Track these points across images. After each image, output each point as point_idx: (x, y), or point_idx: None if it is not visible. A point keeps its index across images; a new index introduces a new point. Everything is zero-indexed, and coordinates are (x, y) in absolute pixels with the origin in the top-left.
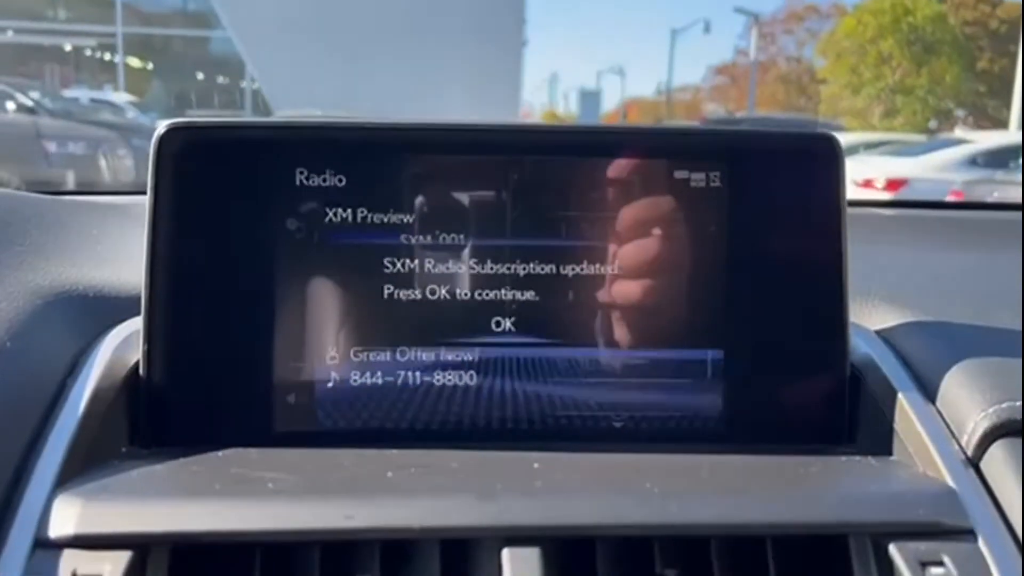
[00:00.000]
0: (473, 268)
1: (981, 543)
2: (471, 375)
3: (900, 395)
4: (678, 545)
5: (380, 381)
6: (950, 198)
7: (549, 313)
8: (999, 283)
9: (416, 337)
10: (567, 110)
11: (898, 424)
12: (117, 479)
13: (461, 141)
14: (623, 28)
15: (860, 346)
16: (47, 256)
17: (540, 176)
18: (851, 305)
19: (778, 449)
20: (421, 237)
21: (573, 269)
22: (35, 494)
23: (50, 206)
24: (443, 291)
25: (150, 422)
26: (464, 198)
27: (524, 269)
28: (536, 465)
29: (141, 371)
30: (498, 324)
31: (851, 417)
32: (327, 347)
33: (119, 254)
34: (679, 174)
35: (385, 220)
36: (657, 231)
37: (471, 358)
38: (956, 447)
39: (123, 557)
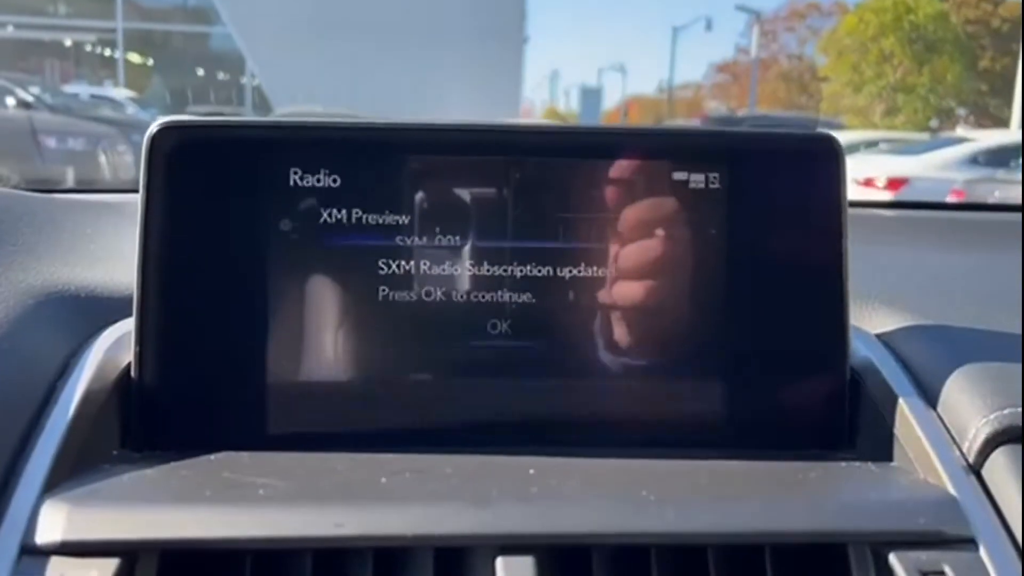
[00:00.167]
0: (470, 270)
1: (982, 552)
2: (467, 378)
3: (900, 400)
4: (675, 553)
5: (375, 383)
6: (951, 197)
7: (546, 315)
8: (1001, 285)
9: (411, 339)
10: (568, 107)
11: (898, 429)
12: (106, 484)
13: (458, 142)
14: (624, 25)
15: (860, 349)
16: (39, 256)
17: (539, 177)
18: (851, 308)
19: (777, 454)
20: (417, 238)
21: (571, 271)
22: (22, 499)
23: (43, 205)
24: (439, 293)
25: (142, 425)
26: (462, 199)
27: (521, 271)
28: (532, 471)
29: (133, 373)
30: (494, 326)
31: (851, 422)
32: (321, 349)
33: (112, 253)
34: (678, 175)
35: (381, 221)
36: (656, 233)
37: (467, 360)
38: (957, 453)
39: (110, 564)
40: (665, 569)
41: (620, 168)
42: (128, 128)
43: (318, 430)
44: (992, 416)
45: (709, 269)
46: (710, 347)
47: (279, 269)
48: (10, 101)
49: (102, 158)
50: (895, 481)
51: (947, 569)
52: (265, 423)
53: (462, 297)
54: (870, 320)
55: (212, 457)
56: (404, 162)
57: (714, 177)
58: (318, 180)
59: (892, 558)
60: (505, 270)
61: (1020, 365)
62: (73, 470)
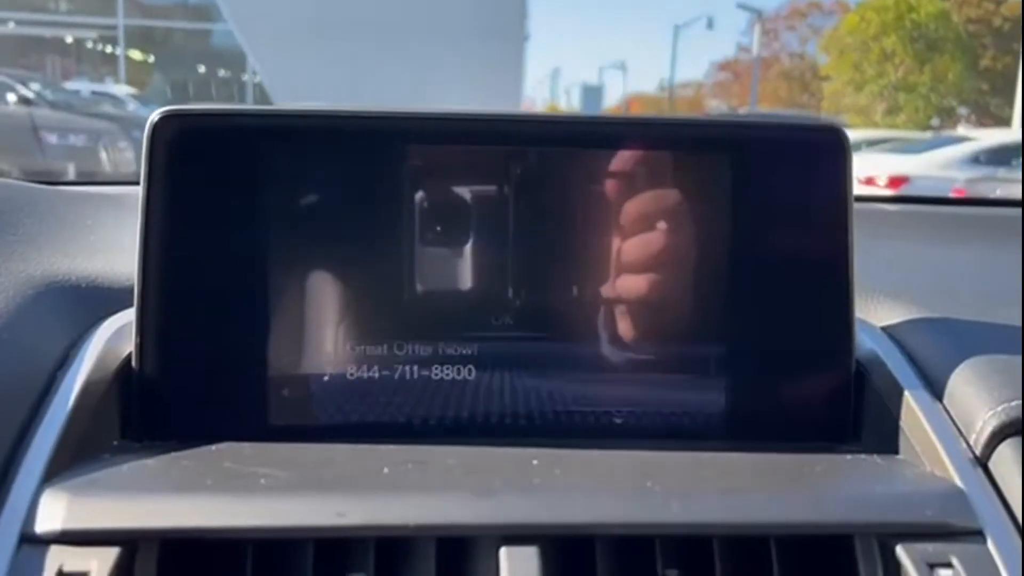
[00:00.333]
0: (472, 261)
1: (990, 544)
2: (469, 370)
3: (906, 392)
4: (680, 544)
5: (376, 375)
6: (952, 196)
7: (548, 307)
8: (1004, 279)
9: (413, 331)
10: (569, 105)
11: (904, 422)
12: (106, 473)
13: (461, 131)
14: (626, 24)
15: (865, 342)
16: (40, 246)
17: (541, 169)
18: (856, 300)
19: (782, 447)
20: (419, 228)
21: (574, 262)
22: (22, 488)
23: (45, 196)
24: (441, 284)
25: (142, 415)
26: (465, 190)
27: (523, 263)
28: (535, 462)
29: (133, 363)
30: (497, 318)
31: (856, 414)
32: (323, 340)
33: (113, 244)
34: (682, 166)
35: (382, 211)
36: (660, 225)
37: (469, 353)
38: (964, 446)
39: (111, 553)
40: (670, 560)
41: (623, 160)
42: (129, 124)
43: (319, 421)
44: (999, 408)
45: (713, 262)
46: (714, 340)
47: (280, 260)
48: (11, 97)
49: (103, 154)
50: (901, 473)
51: (954, 561)
52: (266, 414)
53: (465, 289)
54: (875, 313)
55: (213, 447)
56: (406, 152)
57: (719, 168)
58: (319, 169)
59: (899, 550)
60: (508, 262)
61: (1022, 357)
62: (73, 460)
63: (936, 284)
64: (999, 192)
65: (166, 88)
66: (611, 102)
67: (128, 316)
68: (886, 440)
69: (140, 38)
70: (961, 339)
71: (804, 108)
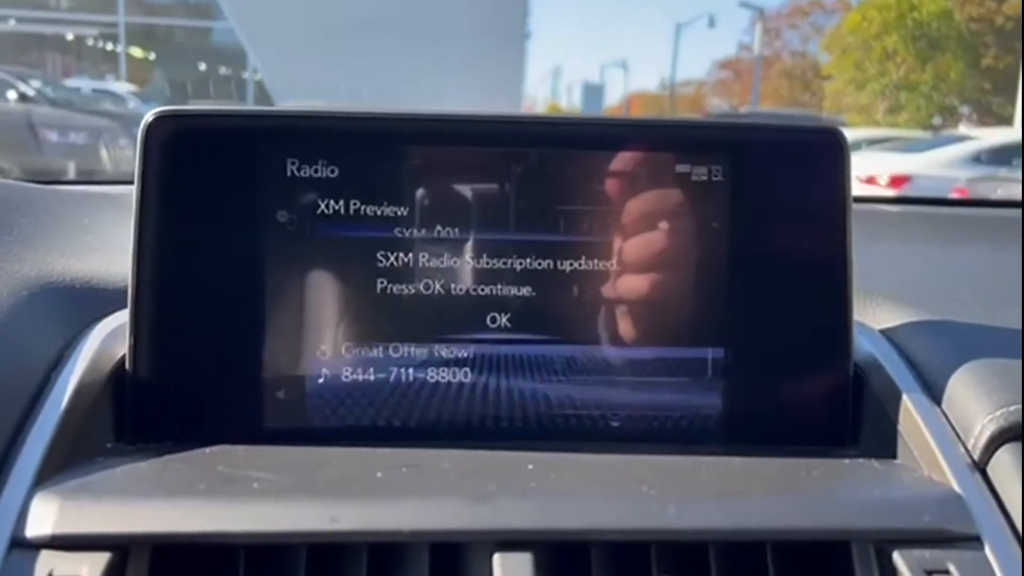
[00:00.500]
0: (469, 263)
1: (987, 551)
2: (465, 372)
3: (905, 396)
4: (675, 550)
5: (372, 377)
6: (953, 195)
7: (546, 309)
8: (1005, 281)
9: (410, 333)
10: (570, 104)
11: (902, 426)
12: (99, 476)
13: (459, 132)
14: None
15: (864, 345)
16: (35, 246)
17: (541, 169)
18: (855, 303)
19: (779, 451)
20: (417, 230)
21: (571, 264)
22: (13, 491)
23: (41, 195)
24: (438, 286)
25: (136, 417)
26: (463, 191)
27: (522, 264)
28: (530, 466)
29: (127, 365)
30: (493, 320)
31: (854, 418)
32: (318, 342)
33: (109, 244)
34: (681, 168)
35: (379, 213)
36: (658, 226)
37: (465, 355)
38: (962, 450)
39: (102, 558)
40: (665, 566)
41: (622, 160)
42: (129, 122)
43: (313, 424)
44: (997, 413)
45: (712, 263)
46: (711, 342)
47: (276, 261)
48: (11, 95)
49: (103, 152)
50: (899, 478)
51: (951, 567)
52: (260, 416)
53: (462, 290)
54: (874, 316)
55: (207, 450)
56: (403, 153)
57: (717, 170)
58: (316, 170)
59: (896, 556)
60: (505, 263)
61: (1021, 362)
62: (65, 462)
63: (935, 286)
64: (1000, 192)
65: (166, 86)
66: (612, 100)
67: (122, 317)
68: (884, 444)
69: (141, 35)
70: (960, 342)
71: (806, 107)
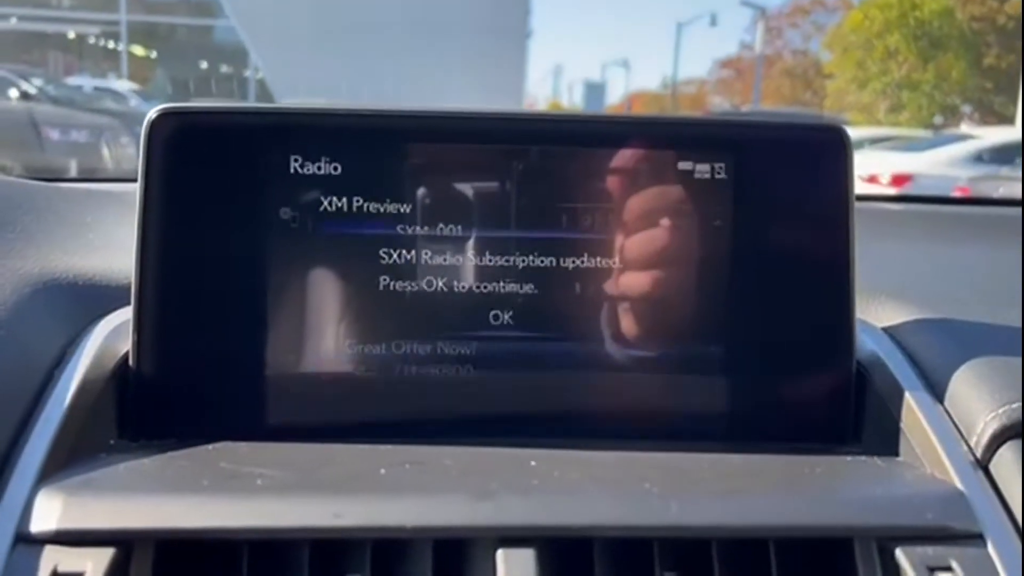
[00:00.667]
0: (472, 260)
1: (990, 548)
2: (468, 369)
3: (907, 394)
4: (678, 547)
5: (375, 374)
6: (955, 194)
7: (548, 306)
8: (1007, 279)
9: (412, 330)
10: (571, 102)
11: (905, 424)
12: (102, 473)
13: (461, 129)
14: (628, 21)
15: (866, 343)
16: (38, 243)
17: (543, 166)
18: (857, 301)
19: (782, 448)
20: (419, 228)
21: (573, 261)
22: (18, 487)
23: (44, 193)
24: (441, 283)
25: (139, 414)
26: (465, 188)
27: (524, 261)
28: (533, 463)
29: (131, 362)
30: (496, 317)
31: (857, 416)
32: (321, 339)
33: (112, 242)
34: (683, 165)
35: (382, 210)
36: (660, 223)
37: (468, 352)
38: (965, 448)
39: (106, 554)
40: (668, 563)
41: (624, 157)
42: (131, 120)
43: (317, 421)
44: (1000, 411)
45: (714, 260)
46: (714, 339)
47: (279, 258)
48: (13, 93)
49: (105, 150)
50: (901, 476)
51: (954, 564)
52: (264, 413)
53: (464, 288)
54: (877, 313)
55: (210, 447)
56: (406, 150)
57: (720, 167)
58: (319, 168)
59: (899, 553)
60: (508, 260)
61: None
62: (69, 459)
63: (937, 284)
64: (1002, 190)
65: (168, 84)
66: (613, 99)
67: (126, 314)
68: (887, 442)
69: (143, 34)
70: (963, 340)
71: (807, 106)
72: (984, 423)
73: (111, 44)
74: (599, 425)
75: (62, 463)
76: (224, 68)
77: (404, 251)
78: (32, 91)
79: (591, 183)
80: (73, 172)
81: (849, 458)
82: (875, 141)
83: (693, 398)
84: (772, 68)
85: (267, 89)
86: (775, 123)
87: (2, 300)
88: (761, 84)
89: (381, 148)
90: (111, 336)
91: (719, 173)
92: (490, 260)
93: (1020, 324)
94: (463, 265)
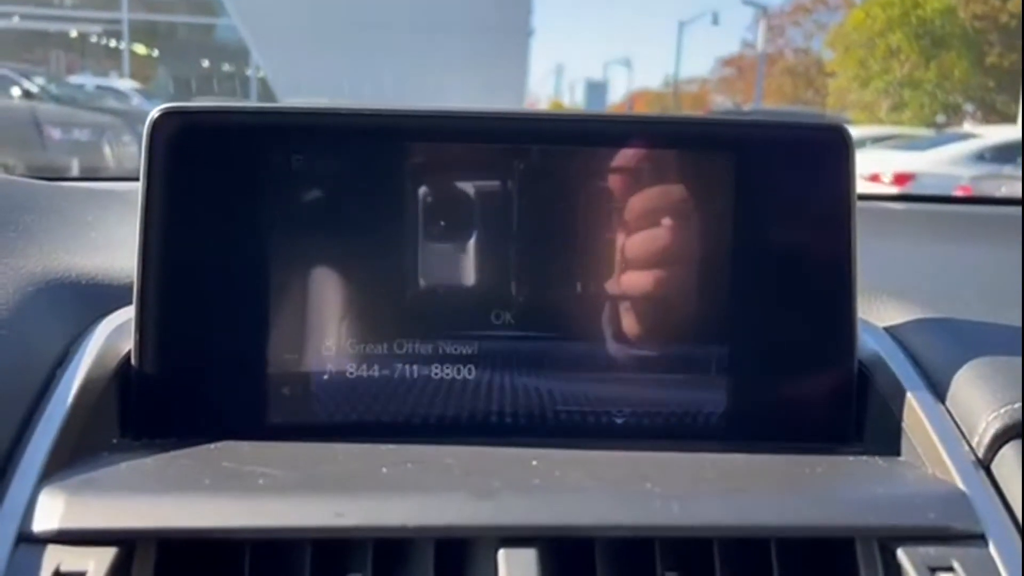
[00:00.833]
0: (474, 259)
1: (992, 548)
2: (469, 369)
3: (909, 394)
4: (680, 546)
5: (376, 374)
6: (957, 193)
7: (549, 306)
8: (1008, 279)
9: (413, 329)
10: (573, 101)
11: (907, 423)
12: (105, 472)
13: (465, 129)
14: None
15: (868, 343)
16: (40, 243)
17: (545, 166)
18: (859, 300)
19: (783, 448)
20: (421, 227)
21: (575, 261)
22: (20, 487)
23: (46, 192)
24: (442, 283)
25: (141, 413)
26: (467, 188)
27: (526, 261)
28: (534, 462)
29: (133, 361)
30: (497, 317)
31: (858, 416)
32: (323, 338)
33: (114, 241)
34: (685, 164)
35: (384, 209)
36: (663, 222)
37: (469, 352)
38: (966, 448)
39: (108, 553)
40: (669, 562)
41: (627, 157)
42: (133, 119)
43: (318, 420)
44: (1001, 411)
45: (716, 260)
46: (715, 339)
47: (280, 257)
48: (15, 92)
49: (107, 149)
50: (903, 476)
51: (956, 564)
52: (266, 412)
53: (466, 287)
54: (878, 313)
55: (212, 446)
56: (408, 149)
57: (721, 166)
58: (321, 167)
59: (900, 553)
60: (509, 260)
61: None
62: (71, 458)
63: (940, 284)
64: (1004, 189)
65: (170, 82)
66: (615, 98)
67: (128, 313)
68: (888, 441)
69: (144, 33)
70: (964, 340)
71: (809, 104)
72: (986, 423)
73: (113, 43)
74: (600, 424)
75: (64, 462)
76: (226, 67)
77: (406, 250)
78: (34, 90)
79: (593, 182)
80: (75, 171)
81: (851, 458)
82: (877, 140)
83: (695, 397)
84: (774, 67)
85: (269, 88)
86: (777, 122)
87: (4, 299)
88: (763, 83)
89: (383, 147)
90: (113, 335)
91: (720, 172)
92: (492, 260)
93: (1021, 324)
94: (464, 264)
